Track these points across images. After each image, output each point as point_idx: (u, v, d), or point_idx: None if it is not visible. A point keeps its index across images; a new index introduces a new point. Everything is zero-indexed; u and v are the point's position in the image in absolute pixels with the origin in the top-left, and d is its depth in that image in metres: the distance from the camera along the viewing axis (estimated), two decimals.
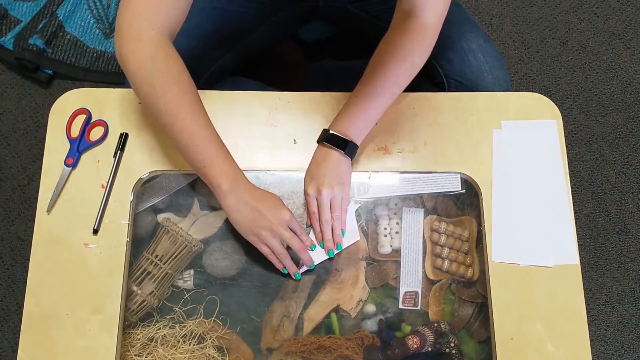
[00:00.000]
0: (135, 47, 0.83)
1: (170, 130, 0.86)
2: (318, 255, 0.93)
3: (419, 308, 0.91)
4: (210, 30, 1.08)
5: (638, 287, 1.50)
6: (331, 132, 0.94)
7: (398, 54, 0.94)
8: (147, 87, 0.84)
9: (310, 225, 0.93)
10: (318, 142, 0.95)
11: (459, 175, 0.98)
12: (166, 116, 0.85)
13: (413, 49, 0.95)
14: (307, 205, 0.93)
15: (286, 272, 0.91)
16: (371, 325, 0.90)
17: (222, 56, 1.11)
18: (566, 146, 1.00)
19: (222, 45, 1.11)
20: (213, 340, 0.89)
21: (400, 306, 0.91)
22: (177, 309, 0.90)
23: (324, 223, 0.92)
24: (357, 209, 0.96)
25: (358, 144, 0.94)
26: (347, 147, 0.92)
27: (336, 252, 0.93)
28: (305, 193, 0.93)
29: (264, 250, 0.89)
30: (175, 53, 0.86)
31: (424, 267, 0.93)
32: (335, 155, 0.93)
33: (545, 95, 1.02)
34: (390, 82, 0.95)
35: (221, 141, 0.89)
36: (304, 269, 0.92)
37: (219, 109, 0.99)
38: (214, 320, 0.90)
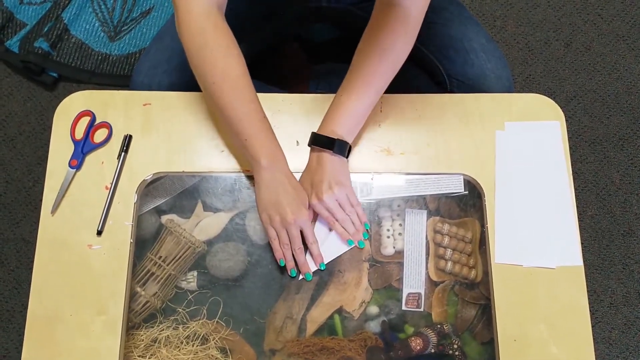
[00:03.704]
0: (187, 20, 0.88)
1: (216, 102, 0.90)
2: (340, 249, 0.93)
3: (422, 309, 0.91)
4: None
5: None
6: (317, 133, 0.93)
7: (380, 49, 0.92)
8: (197, 59, 0.88)
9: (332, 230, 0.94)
10: (308, 145, 0.95)
11: (462, 177, 0.97)
12: (212, 89, 0.88)
13: (395, 42, 0.92)
14: (320, 215, 0.93)
15: (283, 264, 0.91)
16: (374, 326, 0.90)
17: None
18: (570, 147, 1.00)
19: None
20: (216, 341, 0.89)
21: (403, 307, 0.91)
22: (180, 310, 0.90)
23: (342, 221, 0.92)
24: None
25: (348, 141, 0.93)
26: (334, 145, 0.92)
27: (365, 240, 0.93)
28: (311, 205, 0.92)
29: (270, 233, 0.90)
30: (224, 25, 0.90)
31: (427, 268, 0.93)
32: (327, 157, 0.93)
33: (549, 97, 1.02)
34: (374, 77, 0.93)
35: (264, 117, 0.91)
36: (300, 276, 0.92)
37: None
38: (217, 322, 0.90)
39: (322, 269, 0.92)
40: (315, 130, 0.95)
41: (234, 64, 0.89)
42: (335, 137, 0.92)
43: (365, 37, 0.95)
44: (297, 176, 0.94)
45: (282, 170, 0.90)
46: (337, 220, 0.92)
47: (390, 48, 0.92)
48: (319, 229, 0.94)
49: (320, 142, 0.93)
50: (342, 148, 0.92)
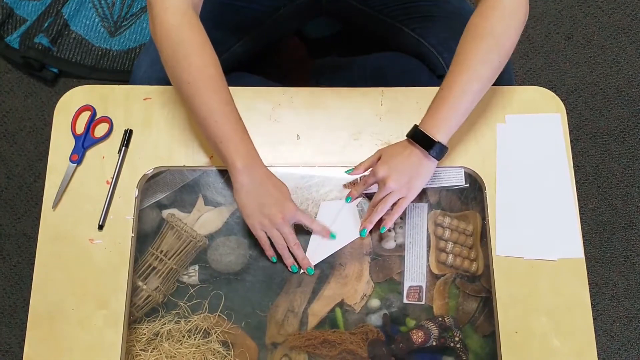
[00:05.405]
0: (162, 17, 0.86)
1: (190, 102, 0.88)
2: (349, 235, 0.93)
3: (423, 302, 0.91)
4: (214, 25, 1.09)
5: None
6: (419, 128, 0.89)
7: (476, 33, 0.89)
8: (172, 57, 0.86)
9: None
10: (407, 136, 0.91)
11: (462, 170, 0.97)
12: (187, 88, 0.86)
13: (493, 26, 0.88)
14: (364, 176, 0.93)
15: (275, 261, 0.91)
16: (375, 319, 0.90)
17: (226, 51, 1.11)
18: (571, 141, 1.00)
19: (226, 40, 1.12)
20: (218, 335, 0.89)
21: (405, 301, 0.91)
22: (182, 304, 0.90)
23: (375, 212, 0.91)
24: (360, 204, 0.96)
25: (446, 144, 0.89)
26: (432, 148, 0.88)
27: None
28: (375, 171, 0.91)
29: (260, 236, 0.90)
30: (199, 24, 0.88)
31: (428, 261, 0.93)
32: (418, 155, 0.89)
33: (550, 90, 1.02)
34: (476, 65, 0.88)
35: (240, 119, 0.89)
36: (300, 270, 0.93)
37: None
38: (218, 315, 0.90)
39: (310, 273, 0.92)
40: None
41: (209, 64, 0.87)
42: (436, 140, 0.88)
43: (466, 27, 0.91)
44: (295, 171, 0.94)
45: (259, 170, 0.89)
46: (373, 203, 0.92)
47: (487, 33, 0.88)
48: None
49: (418, 139, 0.89)
50: (439, 153, 0.89)
